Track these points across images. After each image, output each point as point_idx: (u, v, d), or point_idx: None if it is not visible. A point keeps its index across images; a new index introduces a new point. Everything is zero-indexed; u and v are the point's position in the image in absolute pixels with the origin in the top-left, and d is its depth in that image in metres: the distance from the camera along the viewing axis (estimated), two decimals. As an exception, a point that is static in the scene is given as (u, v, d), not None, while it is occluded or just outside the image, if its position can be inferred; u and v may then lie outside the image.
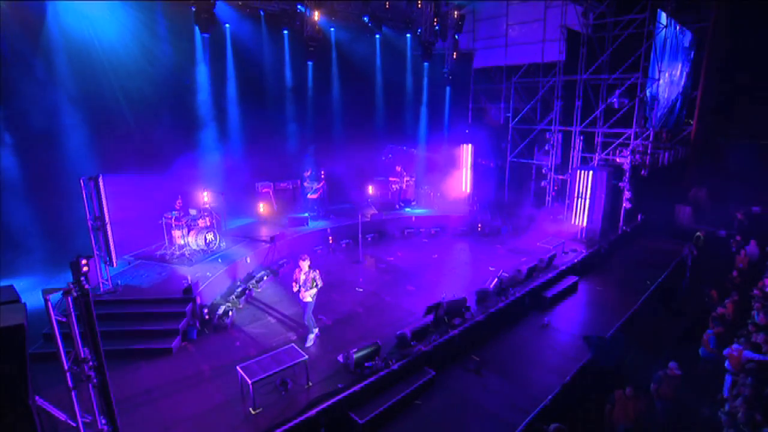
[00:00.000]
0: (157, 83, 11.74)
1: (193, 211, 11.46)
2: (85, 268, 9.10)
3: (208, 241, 11.18)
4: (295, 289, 8.04)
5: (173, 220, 10.91)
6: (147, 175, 11.19)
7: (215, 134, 13.53)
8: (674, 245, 13.58)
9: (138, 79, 11.33)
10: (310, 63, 14.58)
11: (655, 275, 11.46)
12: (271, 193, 14.46)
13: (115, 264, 9.26)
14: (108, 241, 9.03)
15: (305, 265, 8.01)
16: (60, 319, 4.86)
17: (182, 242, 11.02)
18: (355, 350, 7.34)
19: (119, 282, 9.50)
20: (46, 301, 4.68)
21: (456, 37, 15.85)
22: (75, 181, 8.98)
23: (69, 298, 4.90)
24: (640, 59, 13.21)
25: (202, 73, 12.98)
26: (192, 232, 11.11)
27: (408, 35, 16.96)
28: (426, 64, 16.68)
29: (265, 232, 13.09)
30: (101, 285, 9.13)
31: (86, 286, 4.93)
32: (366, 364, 7.31)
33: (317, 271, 8.11)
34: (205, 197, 11.93)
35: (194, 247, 11.09)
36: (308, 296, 8.02)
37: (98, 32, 10.59)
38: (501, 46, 16.60)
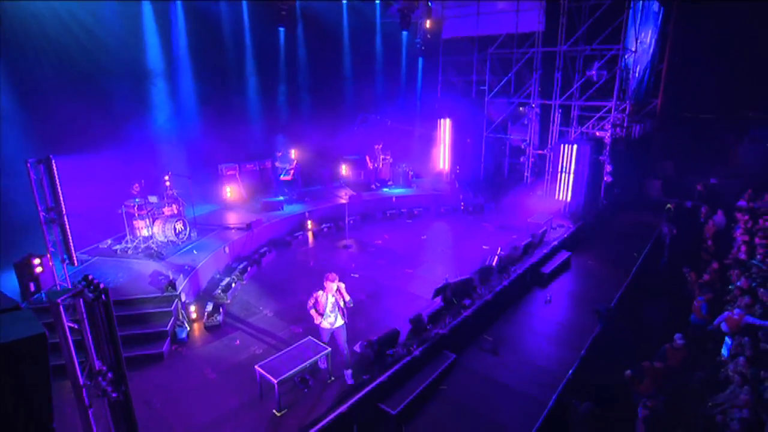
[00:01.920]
0: (104, 53, 10.70)
1: (152, 198, 10.64)
2: (39, 269, 8.30)
3: (177, 231, 10.44)
4: (319, 321, 6.73)
5: (135, 209, 10.05)
6: (96, 158, 10.19)
7: (170, 110, 12.57)
8: (650, 218, 14.75)
9: (82, 49, 10.27)
10: (281, 29, 13.84)
11: (639, 247, 12.41)
12: (237, 176, 13.74)
13: (76, 263, 8.37)
14: (66, 236, 8.10)
15: (333, 286, 6.66)
16: (72, 325, 4.34)
17: (147, 233, 10.21)
18: (374, 339, 7.28)
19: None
20: (57, 305, 4.14)
21: (430, 4, 15.75)
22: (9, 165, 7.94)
23: (80, 301, 4.39)
24: (618, 30, 13.85)
25: (153, 42, 11.93)
26: (157, 222, 10.33)
27: (377, 1, 16.61)
28: (405, 32, 16.45)
29: (235, 218, 12.47)
30: (58, 288, 8.26)
31: (102, 285, 4.43)
32: (387, 352, 7.30)
33: (342, 284, 6.83)
34: (167, 182, 11.07)
35: (161, 238, 10.32)
36: (341, 318, 6.87)
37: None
38: (472, 15, 16.66)
